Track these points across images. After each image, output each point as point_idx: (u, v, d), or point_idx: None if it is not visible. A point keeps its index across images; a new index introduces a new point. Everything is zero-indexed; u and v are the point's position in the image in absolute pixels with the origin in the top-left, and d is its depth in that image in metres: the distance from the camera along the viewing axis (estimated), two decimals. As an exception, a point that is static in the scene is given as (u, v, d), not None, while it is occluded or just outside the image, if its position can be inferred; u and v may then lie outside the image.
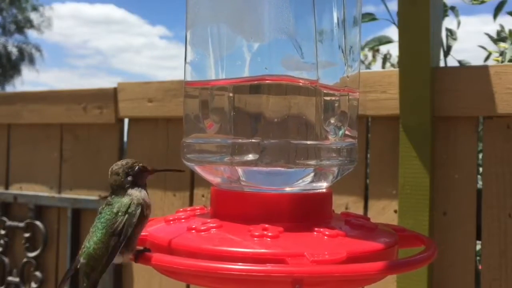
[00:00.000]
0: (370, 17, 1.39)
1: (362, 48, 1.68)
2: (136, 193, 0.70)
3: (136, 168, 0.72)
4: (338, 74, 0.82)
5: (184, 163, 0.83)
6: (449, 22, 1.43)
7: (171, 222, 0.78)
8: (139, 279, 1.58)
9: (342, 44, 0.81)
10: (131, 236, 0.68)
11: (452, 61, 1.44)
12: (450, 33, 1.42)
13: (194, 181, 1.51)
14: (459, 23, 1.46)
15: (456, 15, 1.44)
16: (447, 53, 1.42)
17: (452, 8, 1.43)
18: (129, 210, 0.68)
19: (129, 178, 0.72)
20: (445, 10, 1.41)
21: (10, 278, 1.80)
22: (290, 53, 0.76)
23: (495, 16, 1.50)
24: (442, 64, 1.42)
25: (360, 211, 1.27)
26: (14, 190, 1.86)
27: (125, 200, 0.69)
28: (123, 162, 0.73)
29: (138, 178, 0.72)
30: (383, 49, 1.98)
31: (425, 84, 1.16)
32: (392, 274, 1.01)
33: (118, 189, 0.71)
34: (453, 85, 1.16)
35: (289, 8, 0.75)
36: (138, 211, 0.69)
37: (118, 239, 0.67)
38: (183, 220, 0.78)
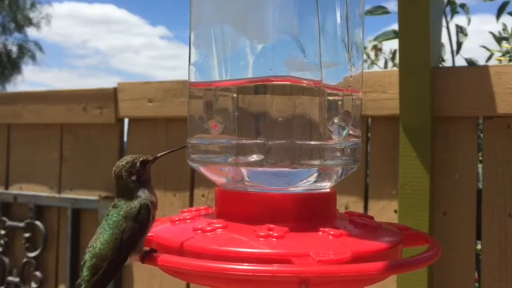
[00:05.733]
0: (382, 10, 1.39)
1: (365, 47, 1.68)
2: (142, 195, 0.70)
3: (138, 164, 0.71)
4: (342, 74, 0.82)
5: (189, 164, 0.83)
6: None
7: (177, 222, 0.78)
8: (139, 279, 1.58)
9: (346, 44, 0.81)
10: (141, 239, 0.68)
11: (459, 60, 1.45)
12: (460, 29, 1.42)
13: (194, 181, 1.52)
14: (469, 20, 1.47)
15: (467, 12, 1.45)
16: (458, 49, 1.43)
17: (462, 6, 1.43)
18: (139, 217, 0.68)
19: (134, 178, 0.71)
20: (453, 8, 1.42)
21: (10, 278, 1.80)
22: (293, 54, 0.76)
23: (498, 16, 1.51)
24: (450, 61, 1.43)
25: (360, 211, 1.27)
26: (14, 190, 1.86)
27: (134, 204, 0.69)
28: (123, 162, 0.72)
29: (142, 174, 0.71)
30: (389, 46, 1.98)
31: (425, 84, 1.16)
32: (397, 274, 1.02)
33: (124, 191, 0.71)
34: (453, 85, 1.17)
35: (292, 9, 0.75)
36: (145, 216, 0.68)
37: (129, 246, 0.67)
38: (188, 221, 0.78)
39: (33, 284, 1.75)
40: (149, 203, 0.70)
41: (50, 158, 1.79)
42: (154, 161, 0.73)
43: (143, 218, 0.68)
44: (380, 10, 1.41)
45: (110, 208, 0.70)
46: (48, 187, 1.78)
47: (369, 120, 1.29)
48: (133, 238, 0.67)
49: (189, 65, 0.83)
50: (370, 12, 1.42)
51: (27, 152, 1.84)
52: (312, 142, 0.76)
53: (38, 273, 1.75)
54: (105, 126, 1.68)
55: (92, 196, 1.67)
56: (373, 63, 2.04)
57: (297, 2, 0.76)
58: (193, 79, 0.83)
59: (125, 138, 1.68)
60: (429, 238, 0.80)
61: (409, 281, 1.16)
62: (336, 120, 0.80)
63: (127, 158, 0.72)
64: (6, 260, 1.82)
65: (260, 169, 0.74)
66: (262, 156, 0.72)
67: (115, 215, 0.69)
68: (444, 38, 1.41)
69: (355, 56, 0.84)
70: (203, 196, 1.50)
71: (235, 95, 0.77)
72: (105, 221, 0.69)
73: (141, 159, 0.72)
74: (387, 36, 1.44)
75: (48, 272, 1.77)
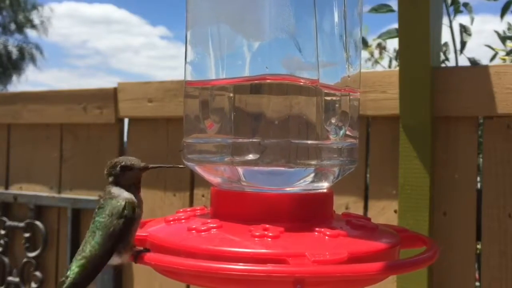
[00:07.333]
0: (387, 8, 1.39)
1: (367, 45, 1.66)
2: (121, 193, 0.70)
3: (118, 168, 0.71)
4: (339, 74, 0.81)
5: (185, 163, 0.83)
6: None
7: (171, 222, 0.77)
8: (139, 279, 1.58)
9: (343, 43, 0.81)
10: (127, 237, 0.68)
11: (462, 59, 1.44)
12: (464, 29, 1.42)
13: (194, 181, 1.51)
14: (472, 19, 1.46)
15: (470, 11, 1.44)
16: (462, 48, 1.42)
17: (465, 5, 1.43)
18: (124, 213, 0.68)
19: (111, 179, 0.71)
20: (456, 7, 1.41)
21: (10, 278, 1.80)
22: (290, 53, 0.76)
23: (502, 15, 1.50)
24: (453, 60, 1.42)
25: (360, 211, 1.27)
26: (14, 190, 1.86)
27: (117, 202, 0.69)
28: (109, 161, 0.72)
29: (121, 178, 0.71)
30: (393, 45, 1.97)
31: (425, 84, 1.16)
32: (393, 275, 1.01)
33: (107, 190, 0.72)
34: (453, 85, 1.16)
35: (289, 7, 0.74)
36: (130, 215, 0.69)
37: (116, 243, 0.67)
38: (183, 221, 0.77)
39: (33, 284, 1.75)
40: (131, 201, 0.70)
41: (50, 158, 1.78)
42: (143, 170, 0.72)
43: (127, 215, 0.68)
44: (384, 8, 1.40)
45: (96, 210, 0.70)
46: (48, 187, 1.78)
47: (369, 120, 1.29)
48: (116, 235, 0.67)
49: (185, 64, 0.82)
50: (375, 10, 1.42)
51: (27, 152, 1.84)
52: (309, 142, 0.75)
53: (38, 273, 1.75)
54: (105, 126, 1.68)
55: (92, 196, 1.67)
56: (376, 62, 2.02)
57: (294, 0, 0.76)
58: (189, 78, 0.83)
59: (125, 138, 1.68)
60: (427, 240, 0.79)
61: (409, 281, 1.15)
62: (333, 120, 0.79)
63: (118, 158, 0.72)
64: (6, 260, 1.82)
65: (256, 168, 0.73)
66: (257, 155, 0.72)
67: (102, 215, 0.69)
68: (448, 37, 1.41)
69: (353, 55, 0.83)
70: (203, 196, 1.50)
71: (231, 94, 0.77)
72: (92, 224, 0.69)
73: (122, 163, 0.71)
74: (391, 34, 1.44)
75: (48, 272, 1.77)
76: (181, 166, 0.81)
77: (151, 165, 0.73)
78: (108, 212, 0.68)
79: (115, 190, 0.70)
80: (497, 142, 1.14)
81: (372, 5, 1.44)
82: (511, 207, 1.12)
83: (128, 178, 0.71)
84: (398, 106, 1.18)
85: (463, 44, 1.44)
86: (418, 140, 1.16)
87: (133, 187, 0.72)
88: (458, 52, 1.45)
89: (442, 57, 1.47)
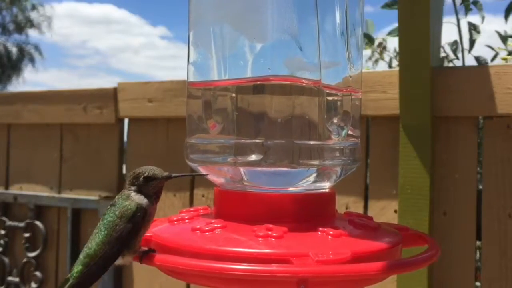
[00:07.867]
0: (397, 5, 1.39)
1: (373, 42, 1.66)
2: (135, 198, 0.70)
3: (141, 178, 0.71)
4: (341, 74, 0.82)
5: (188, 164, 0.83)
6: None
7: (175, 222, 0.77)
8: (139, 279, 1.58)
9: (345, 44, 0.81)
10: (133, 240, 0.68)
11: (469, 58, 1.45)
12: (474, 27, 1.42)
13: (194, 181, 1.51)
14: (483, 18, 1.46)
15: (480, 9, 1.44)
16: (471, 47, 1.42)
17: (475, 3, 1.43)
18: (134, 219, 0.68)
19: (133, 188, 0.71)
20: (467, 5, 1.41)
21: (10, 278, 1.80)
22: (293, 54, 0.76)
23: (506, 16, 1.50)
24: (460, 59, 1.42)
25: (360, 211, 1.27)
26: (14, 190, 1.86)
27: (129, 205, 0.69)
28: (132, 171, 0.72)
29: (143, 188, 0.71)
30: (393, 44, 1.97)
31: (425, 84, 1.16)
32: (397, 274, 1.02)
33: (125, 192, 0.72)
34: (453, 85, 1.17)
35: (292, 8, 0.75)
36: (140, 219, 0.69)
37: (122, 246, 0.68)
38: (187, 221, 0.77)
39: (33, 284, 1.75)
40: (145, 206, 0.70)
41: (50, 158, 1.79)
42: (166, 179, 0.73)
43: (138, 220, 0.68)
44: (395, 4, 1.40)
45: (108, 207, 0.71)
46: (48, 187, 1.78)
47: (369, 120, 1.29)
48: (123, 238, 0.67)
49: (188, 64, 0.83)
50: (388, 6, 1.42)
51: (27, 152, 1.84)
52: (311, 142, 0.75)
53: (38, 273, 1.75)
54: (105, 126, 1.68)
55: (92, 196, 1.67)
56: (381, 58, 2.02)
57: (296, 1, 0.76)
58: (192, 79, 0.83)
59: (125, 138, 1.68)
60: (428, 239, 0.80)
61: (409, 281, 1.16)
62: (335, 120, 0.80)
63: (140, 169, 0.73)
64: (6, 260, 1.82)
65: (259, 168, 0.74)
66: (261, 156, 0.72)
67: (111, 214, 0.69)
68: (456, 36, 1.41)
69: (354, 55, 0.84)
70: (203, 196, 1.50)
71: (234, 94, 0.77)
72: (101, 221, 0.69)
73: (146, 173, 0.72)
74: (397, 32, 1.44)
75: (48, 272, 1.77)
76: (204, 174, 0.81)
77: (174, 174, 0.74)
78: (118, 213, 0.69)
79: (133, 195, 0.71)
80: (497, 142, 1.14)
81: (374, 4, 1.44)
82: (511, 207, 1.12)
83: (150, 188, 0.72)
84: (398, 106, 1.19)
85: (472, 42, 1.44)
86: (418, 140, 1.16)
87: (154, 196, 0.72)
88: (466, 51, 1.45)
89: (452, 55, 1.47)
